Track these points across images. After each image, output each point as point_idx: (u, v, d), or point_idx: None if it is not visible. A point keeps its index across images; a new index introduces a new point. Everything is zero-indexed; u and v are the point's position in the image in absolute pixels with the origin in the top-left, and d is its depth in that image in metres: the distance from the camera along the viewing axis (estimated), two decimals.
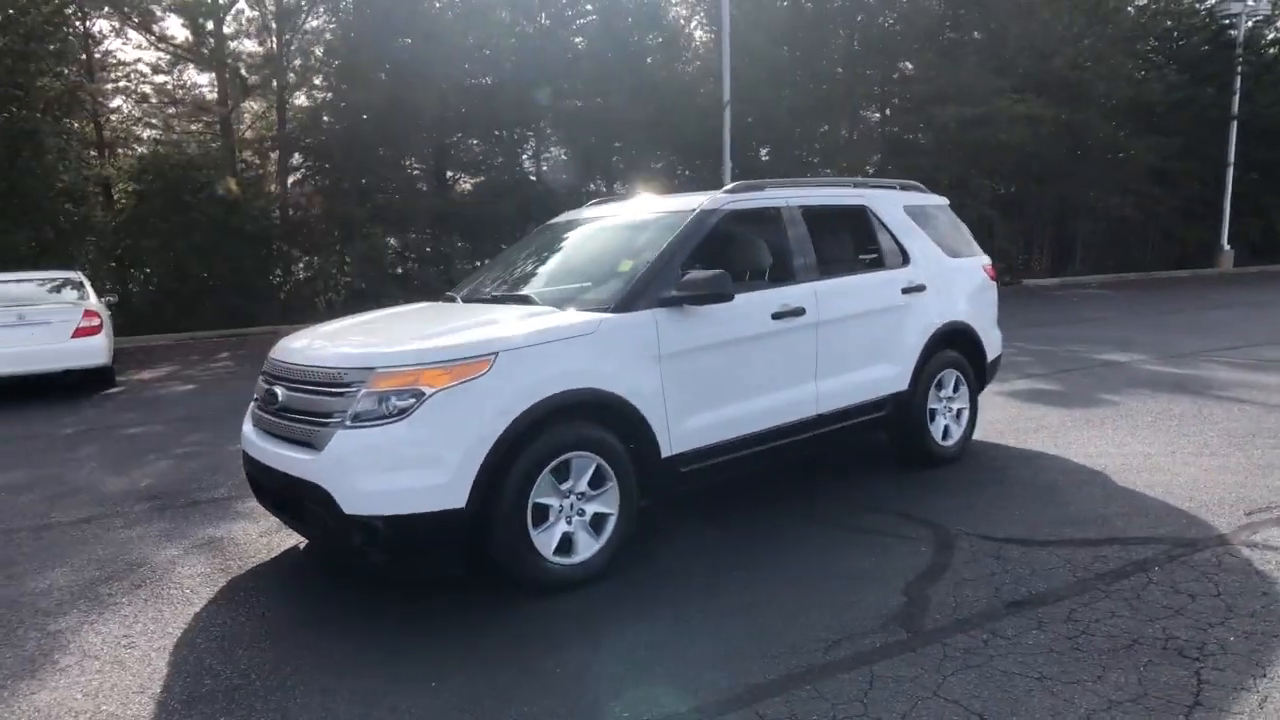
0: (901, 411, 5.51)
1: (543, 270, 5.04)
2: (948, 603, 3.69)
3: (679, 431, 4.30)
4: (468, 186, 24.65)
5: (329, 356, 3.98)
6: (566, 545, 3.97)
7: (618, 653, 3.39)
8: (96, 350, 10.55)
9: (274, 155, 20.73)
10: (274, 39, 19.56)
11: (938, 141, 26.61)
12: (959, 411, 5.94)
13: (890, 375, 5.41)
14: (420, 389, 3.66)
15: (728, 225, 4.83)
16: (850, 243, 5.61)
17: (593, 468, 4.01)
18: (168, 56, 19.93)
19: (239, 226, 18.35)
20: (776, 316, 4.73)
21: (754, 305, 4.70)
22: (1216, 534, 4.37)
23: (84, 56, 19.04)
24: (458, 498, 3.62)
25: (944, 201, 6.36)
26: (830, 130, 27.30)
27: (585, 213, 5.61)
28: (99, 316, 10.70)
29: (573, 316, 4.17)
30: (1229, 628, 3.37)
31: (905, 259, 5.65)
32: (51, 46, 17.20)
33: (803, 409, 4.89)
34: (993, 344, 6.25)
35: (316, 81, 20.48)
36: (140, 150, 19.91)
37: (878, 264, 5.59)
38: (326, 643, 3.58)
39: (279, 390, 4.11)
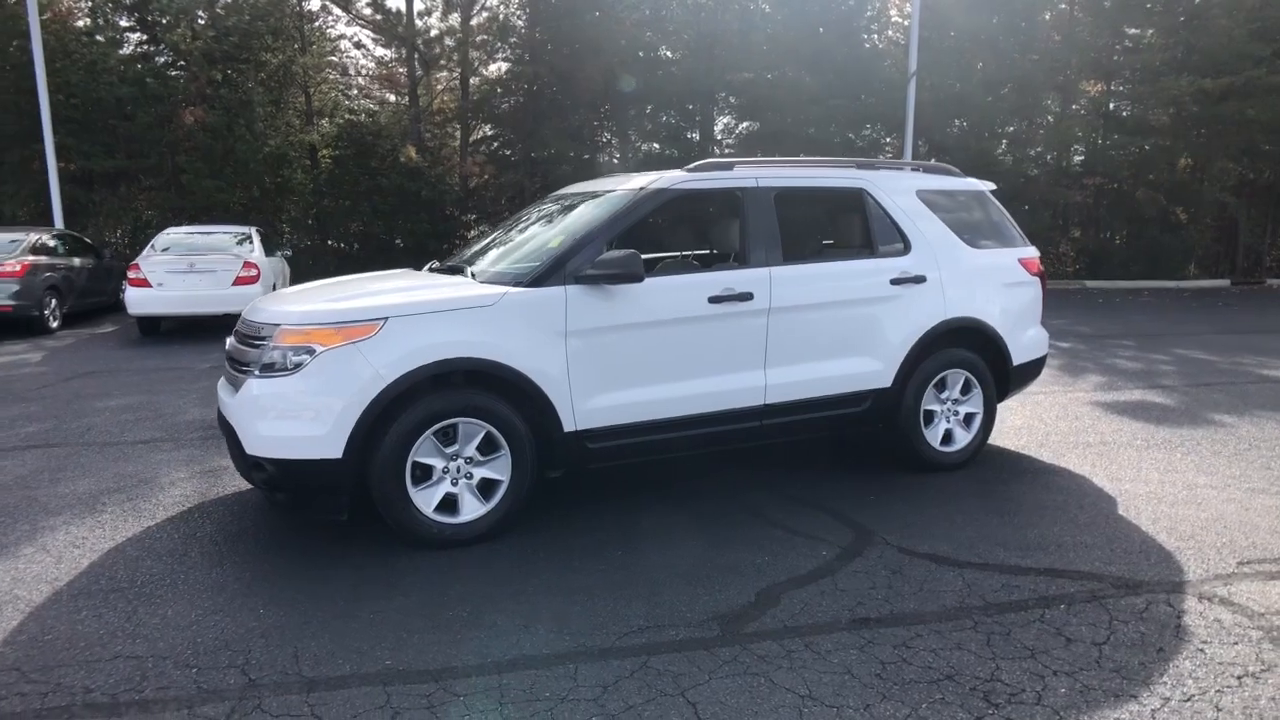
0: (884, 410, 5.18)
1: (508, 243, 5.18)
2: (793, 609, 3.52)
3: (586, 408, 4.33)
4: (643, 158, 25.11)
5: (261, 313, 4.37)
6: (451, 505, 4.14)
7: (451, 602, 3.53)
8: (252, 298, 11.91)
9: (454, 126, 22.10)
10: (459, 14, 20.78)
11: (1173, 118, 23.74)
12: (968, 416, 5.48)
13: (868, 370, 5.09)
14: (313, 346, 3.96)
15: (678, 206, 4.74)
16: (836, 228, 5.30)
17: (481, 434, 4.14)
18: (365, 32, 21.71)
19: (417, 192, 19.85)
20: (715, 300, 4.60)
21: (685, 288, 4.60)
22: (1177, 580, 3.81)
23: (298, 33, 21.21)
24: (334, 449, 3.89)
25: (981, 187, 5.82)
26: (1036, 104, 25.01)
27: (576, 188, 5.67)
28: (257, 268, 12.05)
29: (475, 289, 4.30)
30: (1073, 679, 2.98)
31: (906, 248, 5.26)
32: (271, 22, 19.34)
33: (746, 397, 4.74)
34: (1023, 346, 5.68)
35: (496, 56, 21.53)
36: (337, 120, 21.93)
37: (867, 251, 5.25)
38: (231, 564, 3.98)
39: (229, 340, 4.57)
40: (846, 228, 5.35)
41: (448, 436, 4.12)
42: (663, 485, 5.14)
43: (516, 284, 4.32)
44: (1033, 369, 5.85)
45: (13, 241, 12.46)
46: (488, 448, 4.19)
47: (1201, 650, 3.19)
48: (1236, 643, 3.24)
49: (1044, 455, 5.86)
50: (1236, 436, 6.34)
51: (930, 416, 5.36)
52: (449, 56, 20.92)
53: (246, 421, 4.03)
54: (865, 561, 4.02)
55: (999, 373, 5.57)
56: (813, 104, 22.83)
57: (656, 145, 24.34)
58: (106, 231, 19.16)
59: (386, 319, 4.01)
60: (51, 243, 13.20)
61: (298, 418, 3.93)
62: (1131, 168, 25.71)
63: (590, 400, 4.35)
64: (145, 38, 19.94)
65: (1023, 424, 6.76)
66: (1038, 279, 5.81)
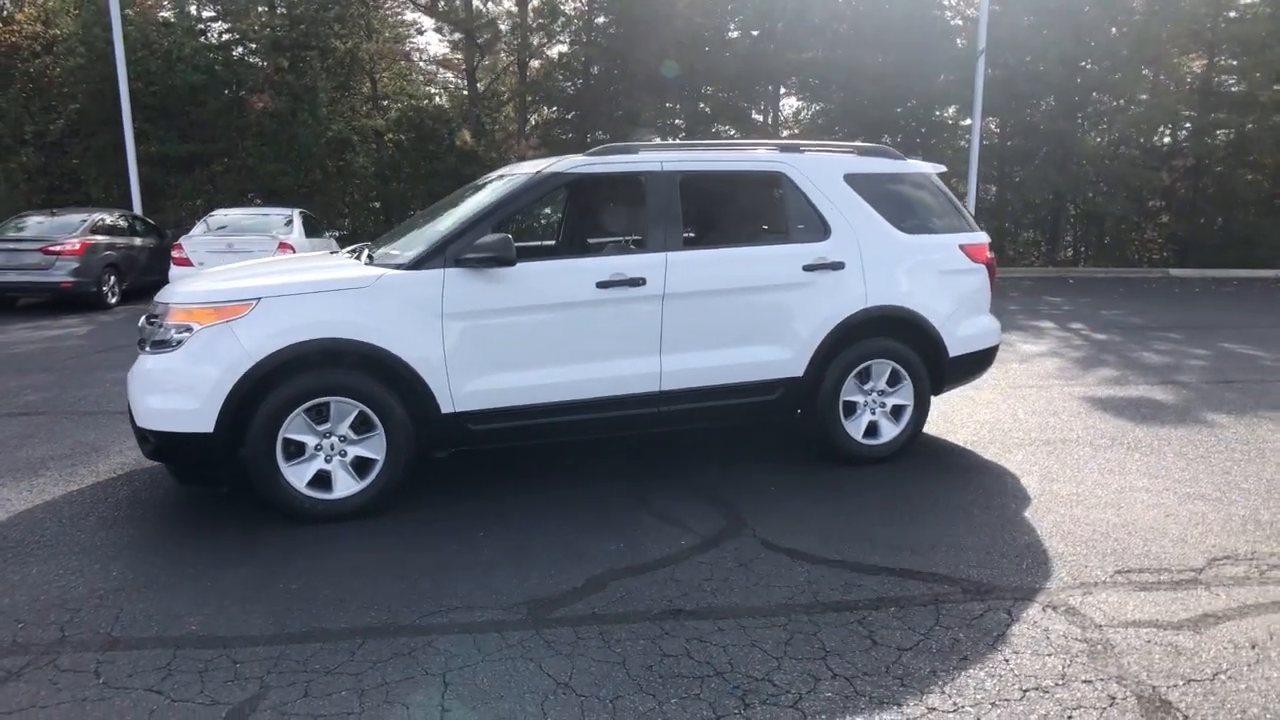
0: (798, 400, 5.07)
1: (419, 226, 5.26)
2: (613, 597, 3.51)
3: (465, 390, 4.40)
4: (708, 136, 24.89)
5: (165, 292, 4.60)
6: (325, 481, 4.28)
7: (290, 575, 3.67)
8: None
9: (511, 109, 22.41)
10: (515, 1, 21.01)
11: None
12: (896, 409, 5.30)
13: (777, 359, 4.98)
14: (192, 325, 4.15)
15: (579, 190, 4.73)
16: (752, 213, 5.18)
17: (355, 414, 4.26)
18: (425, 18, 22.19)
19: (472, 176, 20.24)
20: (604, 285, 4.59)
21: (570, 272, 4.60)
22: (1034, 587, 3.63)
23: (364, 20, 21.87)
24: (206, 423, 4.08)
25: (924, 169, 5.59)
26: (1123, 79, 23.59)
27: (498, 171, 5.71)
28: (292, 249, 12.56)
29: (355, 271, 4.42)
30: (849, 683, 2.90)
31: (825, 233, 5.10)
32: (338, 10, 20.00)
33: (639, 383, 4.72)
34: (964, 337, 5.44)
35: (554, 39, 21.69)
36: (397, 106, 22.52)
37: (781, 236, 5.12)
38: (117, 529, 4.23)
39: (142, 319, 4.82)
40: (762, 212, 5.23)
41: (321, 415, 4.26)
42: (562, 468, 5.17)
43: (398, 267, 4.41)
44: (976, 361, 5.61)
45: (75, 221, 13.33)
46: (363, 427, 4.31)
47: (1006, 661, 3.04)
48: (1050, 654, 3.08)
49: (988, 452, 5.62)
50: (1217, 438, 5.93)
51: (852, 408, 5.21)
52: (506, 40, 21.17)
53: (136, 395, 4.26)
54: (718, 553, 3.97)
55: (933, 364, 5.36)
56: (878, 84, 22.18)
57: (719, 127, 24.12)
58: (183, 213, 20.28)
59: (259, 299, 4.17)
60: (112, 223, 14.07)
61: (176, 392, 4.13)
62: (1230, 148, 24.02)
63: (470, 383, 4.41)
64: (225, 26, 20.95)
65: (990, 418, 6.49)
66: (984, 266, 5.55)
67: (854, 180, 5.26)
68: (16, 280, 12.49)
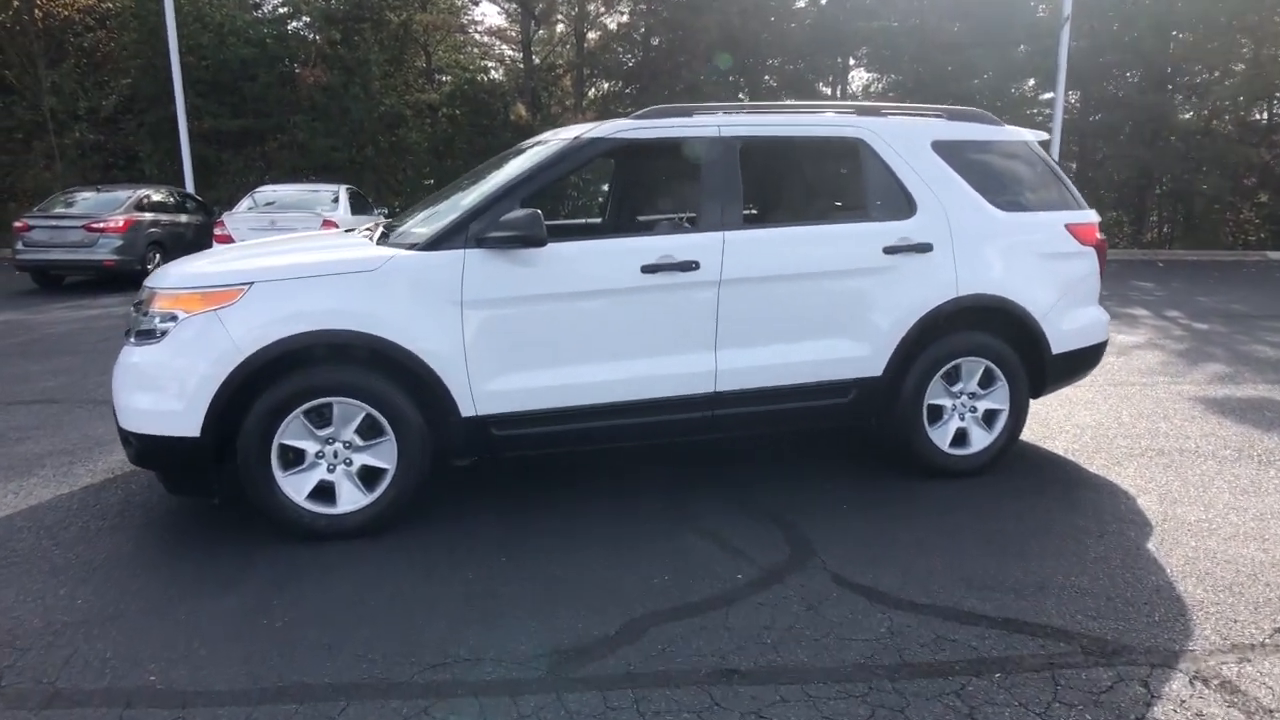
0: (874, 403, 4.38)
1: (443, 200, 4.67)
2: (652, 650, 2.91)
3: (487, 390, 3.81)
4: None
5: (155, 275, 4.10)
6: (328, 493, 3.75)
7: (275, 610, 3.14)
8: None
9: (568, 82, 21.77)
10: None
11: None
12: (989, 414, 4.57)
13: (852, 355, 4.29)
14: (176, 313, 3.64)
15: (624, 159, 4.10)
16: (824, 186, 4.47)
17: (361, 416, 3.71)
18: None
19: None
20: (650, 269, 3.94)
21: (611, 254, 3.97)
22: (1175, 649, 2.92)
23: None
24: (192, 426, 3.57)
25: (1025, 137, 4.80)
26: (1219, 48, 21.88)
27: (537, 138, 5.08)
28: (336, 226, 12.15)
29: (363, 252, 3.85)
30: None
31: (910, 210, 4.38)
32: None
33: (691, 383, 4.08)
34: (1069, 331, 4.67)
35: (613, 8, 20.96)
36: (451, 80, 22.05)
37: (859, 214, 4.41)
38: (96, 544, 3.76)
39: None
40: (835, 186, 4.53)
41: (323, 418, 3.71)
42: (598, 478, 4.57)
43: (412, 247, 3.83)
44: (1083, 359, 4.83)
45: (120, 198, 13.13)
46: (371, 432, 3.75)
47: None
48: None
49: (1094, 464, 4.85)
50: None
51: (937, 413, 4.50)
52: (563, 10, 20.51)
53: (118, 392, 3.77)
54: (782, 590, 3.32)
55: (1033, 363, 4.60)
56: (953, 54, 20.96)
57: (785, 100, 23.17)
58: (235, 190, 20.18)
59: (251, 284, 3.63)
60: (158, 199, 13.86)
61: (159, 390, 3.63)
62: None
63: (493, 381, 3.82)
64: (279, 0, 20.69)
65: (1091, 422, 5.70)
66: (1093, 249, 4.76)
67: (943, 148, 4.51)
68: (59, 258, 12.34)
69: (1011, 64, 21.19)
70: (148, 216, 13.21)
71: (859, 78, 24.77)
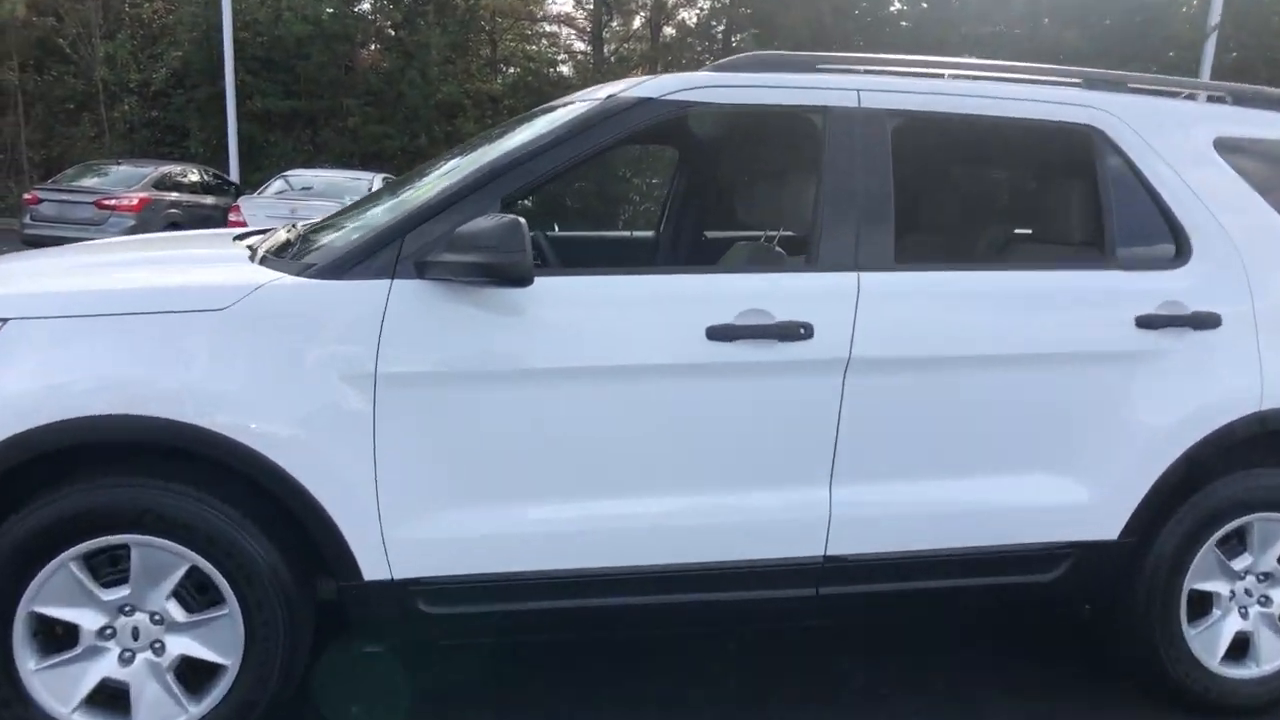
0: (1095, 583, 2.55)
1: (394, 194, 2.98)
2: None
3: (412, 536, 2.13)
4: None
5: None
6: (118, 705, 2.09)
7: None
8: None
9: (640, 75, 20.25)
10: None
11: None
12: None
13: (1065, 502, 2.47)
14: None
15: (688, 138, 2.41)
16: (1027, 201, 2.68)
17: (181, 571, 2.05)
18: None
19: None
20: (722, 335, 2.19)
21: (652, 302, 2.25)
22: None
23: None
24: None
25: None
26: None
27: (566, 98, 3.33)
28: None
29: (204, 273, 2.21)
30: None
31: (1180, 251, 2.54)
32: None
33: (783, 539, 2.33)
34: None
35: (691, 1, 19.38)
36: (514, 70, 20.72)
37: (1088, 255, 2.60)
38: None
39: None
40: (1050, 202, 2.73)
41: (116, 567, 2.06)
42: (612, 694, 2.79)
43: (304, 271, 2.15)
44: None
45: (139, 174, 11.92)
46: (201, 598, 2.09)
47: None
48: None
49: None
50: None
51: (1205, 604, 2.62)
52: (639, 1, 18.97)
53: None
54: None
55: None
56: (1074, 64, 18.70)
57: None
58: (280, 172, 19.19)
59: (4, 321, 1.99)
60: (181, 177, 12.65)
61: None
62: None
63: (424, 521, 2.13)
64: None
65: None
66: None
67: (1235, 151, 2.66)
68: (66, 235, 11.10)
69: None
70: (167, 196, 11.94)
71: None
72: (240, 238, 2.87)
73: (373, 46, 17.95)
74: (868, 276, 2.31)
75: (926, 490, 2.40)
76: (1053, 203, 2.72)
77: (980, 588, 2.51)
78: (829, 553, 2.35)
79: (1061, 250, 2.66)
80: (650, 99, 2.32)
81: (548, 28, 21.57)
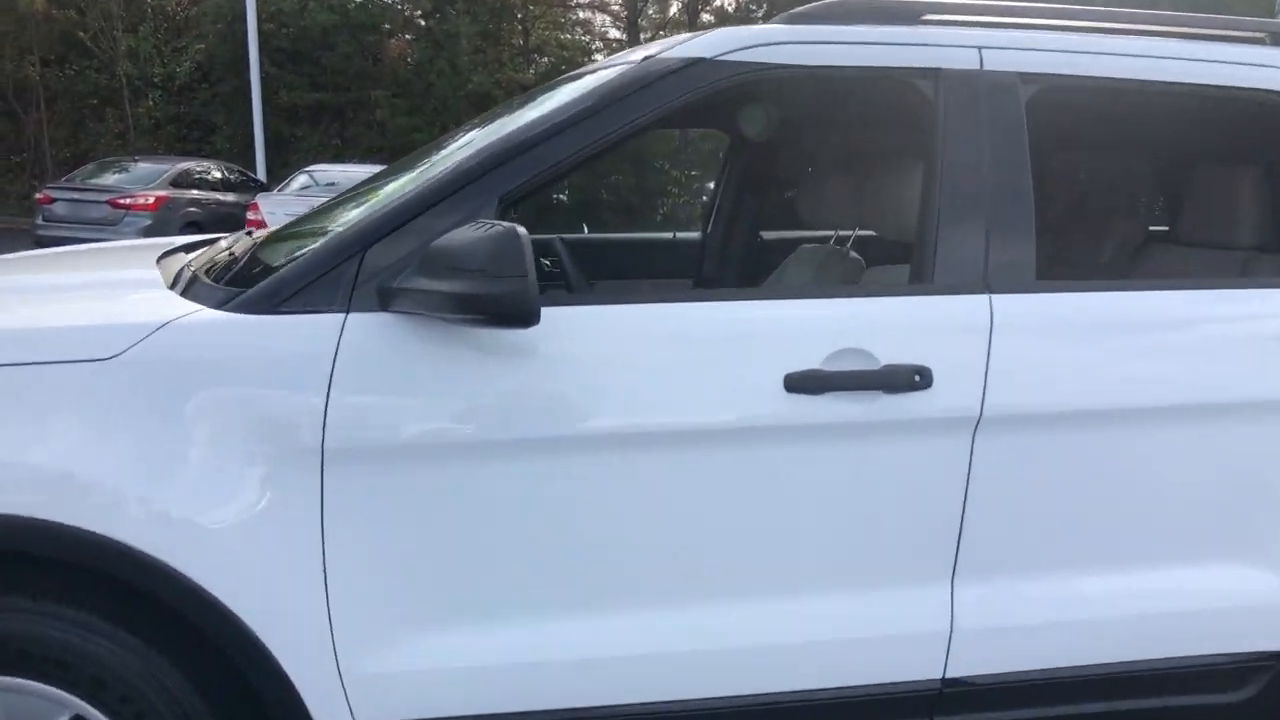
0: None
1: (406, 174, 2.36)
2: None
3: (381, 665, 1.56)
4: None
5: None
6: None
7: None
8: None
9: None
10: None
11: None
12: None
13: (1261, 599, 1.84)
14: None
15: (750, 114, 1.80)
16: (1204, 199, 2.02)
17: None
18: None
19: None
20: (804, 385, 1.58)
21: (708, 341, 1.63)
22: None
23: None
24: None
25: None
26: None
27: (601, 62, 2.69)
28: None
29: (95, 306, 1.63)
30: None
31: None
32: None
33: (889, 660, 1.73)
34: None
35: None
36: (547, 60, 20.16)
37: None
38: None
39: None
40: (1243, 203, 2.06)
41: None
42: None
43: (227, 303, 1.56)
44: None
45: (155, 171, 11.55)
46: None
47: None
48: None
49: None
50: None
51: None
52: None
53: None
54: None
55: None
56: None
57: None
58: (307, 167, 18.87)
59: None
60: (200, 175, 12.26)
61: None
62: None
63: (396, 645, 1.56)
64: None
65: None
66: None
67: None
68: (79, 236, 10.77)
69: None
70: (185, 194, 11.56)
71: None
72: (188, 249, 2.30)
73: (401, 36, 17.47)
74: (1003, 300, 1.68)
75: (1078, 588, 1.78)
76: (1241, 200, 2.05)
77: (1146, 714, 1.88)
78: (948, 675, 1.73)
79: (1254, 264, 1.99)
80: (703, 59, 1.70)
81: (581, 15, 20.98)
